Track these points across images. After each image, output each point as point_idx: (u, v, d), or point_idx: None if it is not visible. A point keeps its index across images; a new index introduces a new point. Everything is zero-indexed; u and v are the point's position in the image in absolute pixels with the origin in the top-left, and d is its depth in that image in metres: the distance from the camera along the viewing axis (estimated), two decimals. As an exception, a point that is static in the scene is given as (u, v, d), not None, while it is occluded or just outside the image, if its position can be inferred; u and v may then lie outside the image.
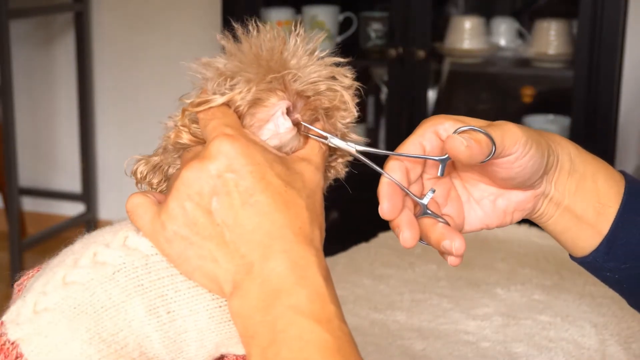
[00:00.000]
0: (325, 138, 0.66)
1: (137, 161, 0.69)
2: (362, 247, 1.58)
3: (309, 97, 0.65)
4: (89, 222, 3.28)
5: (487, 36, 2.59)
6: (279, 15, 2.66)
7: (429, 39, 2.48)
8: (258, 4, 2.59)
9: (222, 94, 0.63)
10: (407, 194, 0.70)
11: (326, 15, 2.67)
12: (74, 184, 3.35)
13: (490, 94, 2.74)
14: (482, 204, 0.74)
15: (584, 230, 0.75)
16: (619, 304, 1.23)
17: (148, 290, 0.62)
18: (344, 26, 2.71)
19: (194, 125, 0.65)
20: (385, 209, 0.68)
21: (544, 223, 0.76)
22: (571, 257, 0.78)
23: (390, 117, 2.57)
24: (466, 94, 2.80)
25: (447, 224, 0.71)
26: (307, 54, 0.65)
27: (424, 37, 2.46)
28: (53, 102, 3.34)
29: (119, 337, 0.62)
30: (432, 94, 2.58)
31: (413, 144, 0.70)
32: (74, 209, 3.34)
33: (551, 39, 2.48)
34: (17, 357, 0.61)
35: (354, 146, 0.68)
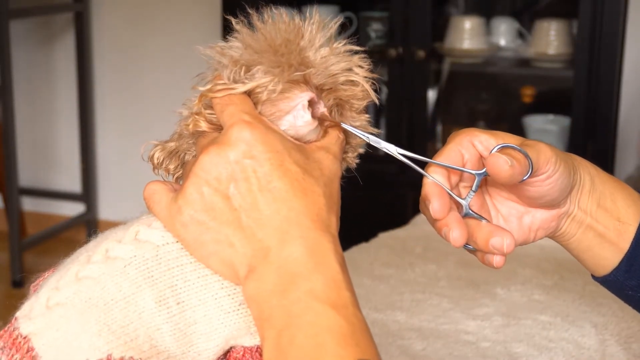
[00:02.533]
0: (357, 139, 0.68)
1: (154, 147, 0.69)
2: (362, 247, 1.58)
3: (328, 89, 0.66)
4: (89, 222, 3.28)
5: (487, 36, 2.59)
6: (279, 15, 2.66)
7: (429, 39, 2.48)
8: (258, 4, 2.58)
9: (243, 83, 0.63)
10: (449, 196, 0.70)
11: (326, 15, 2.67)
12: (74, 184, 3.35)
13: (490, 94, 2.74)
14: (508, 221, 0.75)
15: (605, 249, 0.75)
16: (619, 304, 1.23)
17: (158, 281, 0.62)
18: (344, 26, 2.70)
19: (208, 111, 0.65)
20: (436, 208, 0.68)
21: (566, 242, 0.77)
22: (593, 277, 0.78)
23: (390, 117, 2.57)
24: (466, 94, 2.80)
25: (491, 222, 0.71)
26: (324, 44, 0.66)
27: (424, 37, 2.46)
28: (53, 102, 3.34)
29: (129, 329, 0.62)
30: (432, 94, 2.58)
31: (453, 151, 0.71)
32: (74, 209, 3.34)
33: (551, 39, 2.48)
34: (27, 351, 0.61)
35: (396, 149, 0.69)
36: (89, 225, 3.27)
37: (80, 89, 3.20)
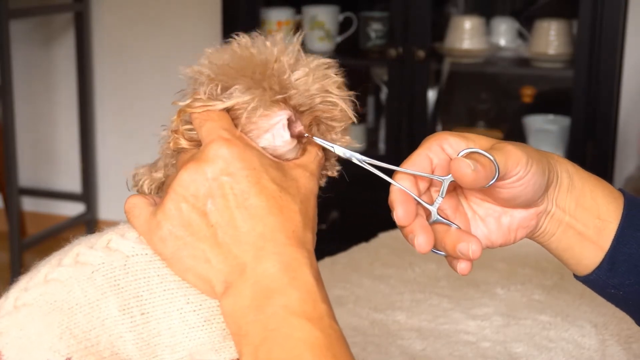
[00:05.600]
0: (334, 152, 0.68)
1: (142, 175, 0.69)
2: (362, 247, 1.58)
3: (306, 110, 0.66)
4: (88, 222, 3.28)
5: (487, 36, 2.59)
6: (279, 15, 2.66)
7: (429, 39, 2.48)
8: (258, 4, 2.58)
9: (221, 100, 0.64)
10: (417, 202, 0.70)
11: (326, 15, 2.67)
12: (74, 184, 3.35)
13: (490, 94, 2.74)
14: (486, 222, 0.74)
15: (586, 247, 0.75)
16: (619, 304, 1.23)
17: (123, 290, 0.63)
18: (344, 26, 2.71)
19: (187, 127, 0.66)
20: (400, 215, 0.68)
21: (547, 241, 0.76)
22: (575, 276, 0.78)
23: (390, 117, 2.57)
24: (466, 94, 2.80)
25: (459, 228, 0.71)
26: (301, 64, 0.66)
27: (424, 37, 2.46)
28: (53, 102, 3.34)
29: (91, 334, 0.63)
30: (432, 94, 2.58)
31: (420, 156, 0.71)
32: (74, 209, 3.34)
33: (551, 39, 2.48)
34: None
35: (362, 158, 0.69)
36: (89, 225, 3.27)
37: (80, 89, 3.20)
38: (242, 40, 0.66)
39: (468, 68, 2.69)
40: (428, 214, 0.71)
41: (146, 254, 0.64)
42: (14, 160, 2.87)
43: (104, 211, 3.33)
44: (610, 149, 2.43)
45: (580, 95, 2.34)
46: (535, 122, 2.57)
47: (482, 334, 1.21)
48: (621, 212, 0.74)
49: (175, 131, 0.66)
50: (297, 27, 2.71)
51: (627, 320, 1.21)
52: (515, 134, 2.59)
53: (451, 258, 0.71)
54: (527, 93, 2.61)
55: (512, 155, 0.69)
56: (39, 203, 3.43)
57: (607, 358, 1.14)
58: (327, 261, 1.50)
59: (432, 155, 0.71)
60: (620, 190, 0.77)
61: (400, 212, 0.68)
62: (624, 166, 2.54)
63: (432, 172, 0.71)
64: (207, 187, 0.61)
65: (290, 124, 0.66)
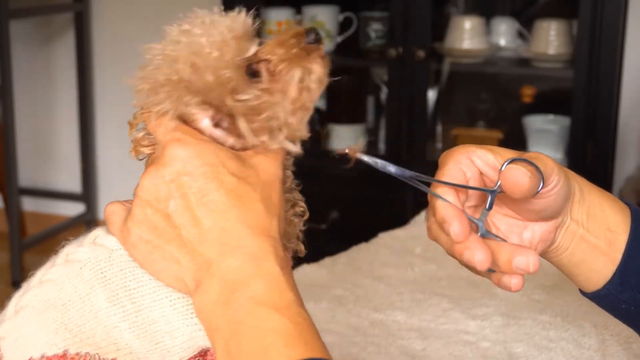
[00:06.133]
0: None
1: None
2: (362, 247, 1.58)
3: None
4: (88, 222, 3.28)
5: (487, 36, 2.59)
6: (279, 15, 2.66)
7: (429, 39, 2.47)
8: (258, 4, 2.58)
9: (148, 110, 0.66)
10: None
11: (326, 15, 2.67)
12: (74, 184, 3.35)
13: (490, 94, 2.74)
14: (509, 238, 0.72)
15: (598, 260, 0.73)
16: (619, 304, 1.23)
17: (110, 281, 0.65)
18: (344, 26, 2.70)
19: (143, 134, 0.67)
20: (457, 231, 0.65)
21: (559, 256, 0.74)
22: (583, 293, 0.76)
23: (390, 117, 2.56)
24: (466, 94, 2.80)
25: (508, 242, 0.69)
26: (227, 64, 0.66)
27: (424, 37, 2.46)
28: (53, 102, 3.34)
29: (86, 327, 0.65)
30: (432, 94, 2.58)
31: (454, 170, 0.68)
32: (74, 209, 3.34)
33: (551, 39, 2.48)
34: None
35: (404, 171, 0.67)
36: (89, 225, 3.26)
37: (80, 89, 3.19)
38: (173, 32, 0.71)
39: (468, 68, 2.69)
40: (473, 229, 0.68)
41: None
42: (14, 160, 2.87)
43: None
44: (610, 149, 2.43)
45: (580, 95, 2.34)
46: (535, 122, 2.56)
47: (482, 334, 1.21)
48: (629, 224, 0.73)
49: (134, 141, 0.68)
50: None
51: (627, 320, 1.21)
52: (515, 134, 2.59)
53: (498, 276, 0.68)
54: (527, 93, 2.60)
55: (547, 163, 0.67)
56: (39, 203, 3.43)
57: (607, 358, 1.14)
58: (327, 261, 1.50)
59: (465, 168, 0.68)
60: (623, 201, 0.76)
61: (456, 227, 0.65)
62: (624, 166, 2.54)
63: (466, 191, 0.69)
64: (167, 189, 0.62)
65: (218, 121, 0.66)
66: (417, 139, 2.50)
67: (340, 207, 2.51)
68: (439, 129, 2.64)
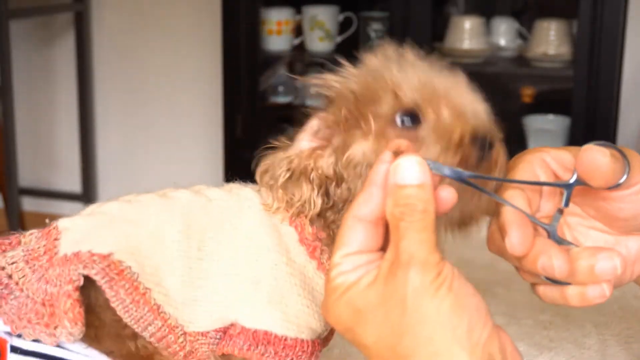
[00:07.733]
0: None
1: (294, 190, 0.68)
2: (363, 247, 1.58)
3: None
4: (89, 222, 3.28)
5: (487, 36, 2.59)
6: (279, 15, 2.66)
7: (429, 39, 2.47)
8: (258, 4, 2.58)
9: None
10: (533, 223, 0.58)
11: (326, 15, 2.67)
12: (74, 184, 3.35)
13: (490, 94, 2.74)
14: None
15: None
16: (620, 303, 1.23)
17: (192, 220, 0.66)
18: (344, 26, 2.70)
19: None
20: (515, 241, 0.55)
21: None
22: None
23: (390, 117, 2.56)
24: (466, 94, 2.80)
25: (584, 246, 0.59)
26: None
27: (424, 37, 2.46)
28: (53, 102, 3.34)
29: (146, 244, 0.65)
30: (432, 94, 2.57)
31: (526, 171, 0.60)
32: (74, 209, 3.32)
33: (551, 39, 2.48)
34: (54, 239, 0.67)
35: (460, 172, 0.58)
36: (89, 225, 3.26)
37: (80, 89, 3.19)
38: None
39: (468, 68, 2.67)
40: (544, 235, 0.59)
41: (227, 202, 0.67)
42: (14, 160, 2.87)
43: (104, 211, 3.32)
44: (610, 149, 2.42)
45: (580, 95, 2.34)
46: (535, 122, 2.56)
47: (482, 334, 1.20)
48: None
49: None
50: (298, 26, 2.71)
51: (628, 319, 1.21)
52: (515, 134, 2.58)
53: (579, 290, 0.57)
54: (527, 93, 2.60)
55: (635, 157, 0.58)
56: (39, 203, 3.43)
57: (608, 358, 1.14)
58: (328, 261, 1.50)
59: (539, 170, 0.60)
60: None
61: (515, 237, 0.55)
62: (624, 166, 2.54)
63: (540, 193, 0.60)
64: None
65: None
66: (417, 139, 2.50)
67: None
68: (439, 129, 2.63)
